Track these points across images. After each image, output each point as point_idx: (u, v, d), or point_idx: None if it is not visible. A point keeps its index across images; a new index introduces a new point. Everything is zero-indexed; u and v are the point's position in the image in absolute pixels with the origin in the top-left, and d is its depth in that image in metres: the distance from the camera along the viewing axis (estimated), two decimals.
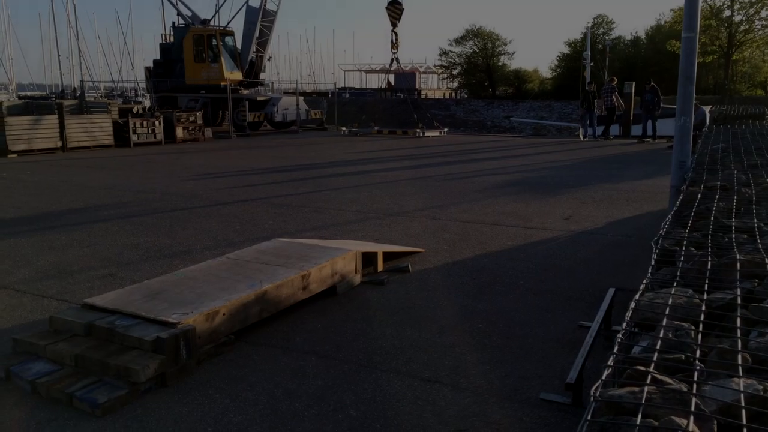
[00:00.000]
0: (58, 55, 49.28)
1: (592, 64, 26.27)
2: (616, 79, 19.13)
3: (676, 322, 1.91)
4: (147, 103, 28.95)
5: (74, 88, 43.46)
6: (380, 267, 5.18)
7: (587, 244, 6.02)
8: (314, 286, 4.34)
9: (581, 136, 19.20)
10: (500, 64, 60.96)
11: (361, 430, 2.76)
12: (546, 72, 63.26)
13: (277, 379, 3.26)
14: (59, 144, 15.34)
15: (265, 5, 23.47)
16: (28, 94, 49.52)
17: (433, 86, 69.33)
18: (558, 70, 58.29)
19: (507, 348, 3.63)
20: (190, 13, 24.28)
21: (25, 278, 5.03)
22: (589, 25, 43.53)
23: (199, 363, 3.37)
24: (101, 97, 39.35)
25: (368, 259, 5.12)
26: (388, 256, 5.39)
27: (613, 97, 18.29)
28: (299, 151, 16.14)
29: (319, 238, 6.04)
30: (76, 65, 47.58)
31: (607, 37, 49.83)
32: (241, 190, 9.45)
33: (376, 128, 21.90)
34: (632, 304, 1.96)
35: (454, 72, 63.40)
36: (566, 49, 57.17)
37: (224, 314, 3.59)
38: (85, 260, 5.56)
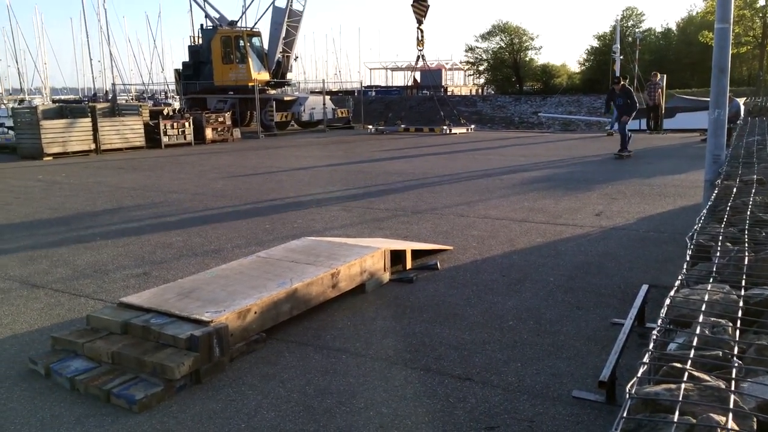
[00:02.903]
0: (90, 59, 50.31)
1: (621, 57, 25.82)
2: (659, 75, 18.72)
3: (712, 319, 1.87)
4: (177, 104, 29.37)
5: (106, 91, 44.32)
6: (409, 265, 5.18)
7: (619, 241, 5.94)
8: (343, 284, 4.36)
9: (612, 131, 18.91)
10: (527, 59, 60.37)
11: (393, 426, 2.77)
12: (574, 66, 62.42)
13: (309, 376, 3.29)
14: (93, 146, 15.68)
15: (291, 6, 23.63)
16: (62, 97, 50.68)
17: (460, 83, 68.91)
18: (587, 64, 57.50)
19: (538, 345, 3.60)
20: (217, 15, 24.58)
21: (63, 278, 5.15)
22: (619, 17, 42.71)
23: (231, 360, 3.42)
24: (132, 99, 40.07)
25: (397, 256, 5.12)
26: (416, 253, 5.39)
27: (658, 92, 18.05)
28: (326, 150, 16.22)
29: (347, 236, 6.07)
30: (108, 68, 48.54)
31: (637, 30, 48.88)
32: (269, 189, 9.54)
33: (402, 126, 21.88)
34: (668, 301, 1.93)
35: (481, 68, 62.97)
36: (595, 43, 56.39)
37: (256, 312, 3.63)
38: (120, 260, 5.68)
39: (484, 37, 60.88)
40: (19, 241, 6.48)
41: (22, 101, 42.55)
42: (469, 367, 3.33)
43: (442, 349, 3.59)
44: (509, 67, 59.84)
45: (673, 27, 55.37)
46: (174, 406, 2.98)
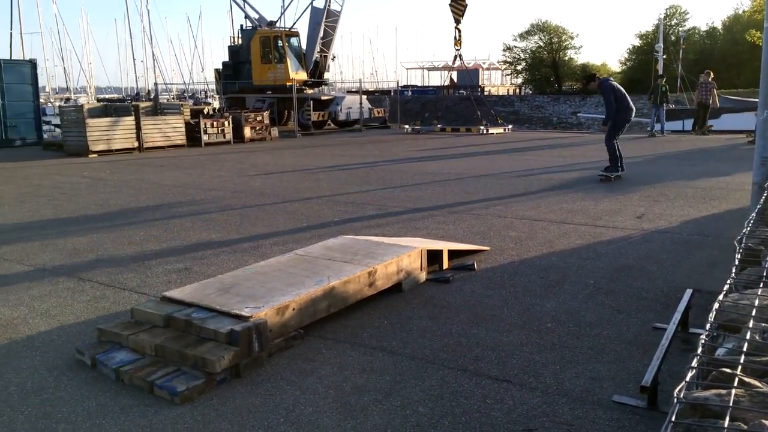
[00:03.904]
0: (133, 59, 51.65)
1: (664, 56, 25.29)
2: (712, 74, 18.20)
3: (763, 324, 1.82)
4: (216, 104, 29.88)
5: (148, 90, 45.37)
6: (445, 265, 5.17)
7: (661, 244, 5.81)
8: (380, 283, 4.38)
9: (654, 132, 18.49)
10: (567, 58, 59.57)
11: (429, 426, 2.77)
12: (615, 66, 61.33)
13: (346, 373, 3.31)
14: (136, 144, 16.06)
15: (329, 6, 23.79)
16: (106, 96, 52.10)
17: (497, 83, 68.37)
18: (628, 63, 56.44)
19: (577, 348, 3.55)
20: (257, 16, 24.91)
21: (108, 271, 5.29)
22: (662, 16, 41.83)
23: (270, 355, 3.46)
24: (173, 98, 40.89)
25: (433, 256, 5.11)
26: (453, 253, 5.37)
27: (712, 92, 17.64)
28: (363, 149, 16.29)
29: (384, 235, 6.09)
30: (150, 68, 49.71)
31: (680, 29, 47.81)
32: (306, 188, 9.63)
33: (438, 126, 21.82)
34: (716, 305, 1.88)
35: (519, 68, 62.39)
36: (637, 42, 55.28)
37: (294, 309, 3.67)
38: (162, 255, 5.81)
39: (523, 36, 60.36)
40: (66, 236, 6.68)
41: (68, 100, 43.90)
42: (507, 369, 3.31)
43: (479, 349, 3.57)
44: (548, 67, 59.16)
45: (719, 26, 53.88)
46: (215, 399, 3.04)
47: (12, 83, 18.18)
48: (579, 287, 4.62)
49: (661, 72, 22.10)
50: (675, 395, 1.39)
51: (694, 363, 1.56)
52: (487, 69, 68.76)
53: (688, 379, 1.48)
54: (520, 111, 42.30)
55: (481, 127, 20.26)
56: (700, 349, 1.64)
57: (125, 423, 2.83)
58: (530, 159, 13.18)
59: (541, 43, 59.51)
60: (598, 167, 10.23)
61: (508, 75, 66.38)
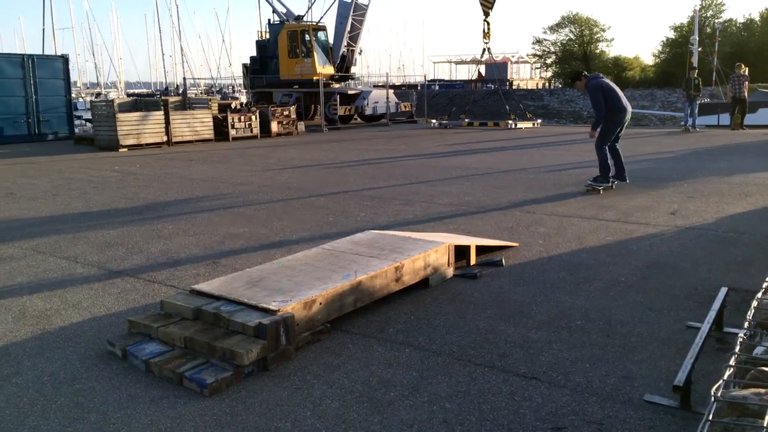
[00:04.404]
0: (162, 54, 52.31)
1: (699, 49, 24.70)
2: (744, 67, 17.73)
3: None
4: (243, 98, 30.13)
5: (177, 85, 45.94)
6: (473, 260, 5.13)
7: (695, 241, 5.68)
8: (407, 278, 4.36)
9: (687, 127, 18.11)
10: (598, 51, 58.64)
11: (457, 422, 2.75)
12: (648, 59, 60.21)
13: (372, 368, 3.30)
14: (165, 138, 16.29)
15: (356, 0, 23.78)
16: (135, 91, 52.92)
17: (526, 76, 67.69)
18: (661, 56, 55.32)
19: (608, 346, 3.49)
20: (284, 10, 25.04)
21: (137, 264, 5.37)
22: (697, 7, 40.82)
23: (297, 349, 3.47)
24: (201, 93, 41.37)
25: (461, 252, 5.07)
26: (481, 249, 5.32)
27: (745, 85, 17.21)
28: (389, 143, 16.26)
29: (410, 230, 6.06)
30: (178, 63, 50.33)
31: (716, 20, 46.62)
32: (333, 182, 9.65)
33: (466, 120, 21.67)
34: (755, 303, 1.82)
35: (548, 61, 61.62)
36: (671, 34, 54.14)
37: (321, 303, 3.68)
38: (190, 248, 5.87)
39: (553, 29, 59.61)
40: (97, 228, 6.80)
41: (98, 95, 44.71)
42: (535, 366, 3.26)
43: (507, 346, 3.53)
44: (578, 60, 58.31)
45: (756, 17, 52.46)
46: (242, 392, 3.06)
47: (44, 78, 18.56)
48: (609, 284, 4.54)
49: (695, 65, 21.58)
50: (712, 394, 1.35)
51: (732, 361, 1.51)
52: (516, 62, 68.09)
53: (726, 377, 1.44)
54: (549, 105, 41.78)
55: (510, 122, 20.06)
56: (738, 348, 1.60)
57: (155, 414, 2.87)
58: (560, 154, 13.01)
59: (572, 36, 58.71)
60: (628, 162, 10.03)
61: (537, 68, 65.68)
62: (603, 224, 6.39)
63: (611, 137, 8.17)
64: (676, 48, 49.21)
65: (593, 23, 58.00)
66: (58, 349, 3.64)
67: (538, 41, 61.03)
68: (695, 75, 17.80)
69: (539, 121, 22.14)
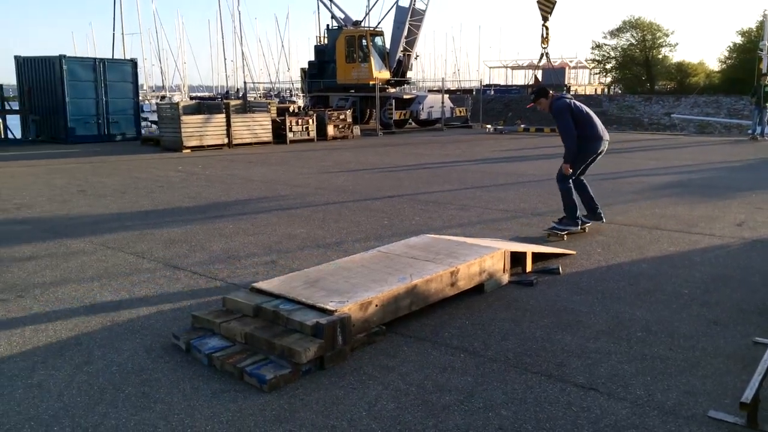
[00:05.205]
0: (224, 58, 53.81)
1: None
2: None
3: None
4: (301, 102, 30.64)
5: (237, 89, 47.10)
6: (529, 267, 5.08)
7: (763, 254, 5.45)
8: (462, 283, 4.36)
9: (755, 135, 17.36)
10: (660, 56, 56.83)
11: (512, 430, 2.74)
12: (713, 64, 57.98)
13: (427, 371, 3.32)
14: (225, 141, 16.73)
15: (414, 5, 23.86)
16: (198, 95, 54.51)
17: (584, 82, 66.26)
18: (728, 62, 53.14)
19: (670, 360, 3.40)
20: (343, 15, 25.34)
21: (200, 261, 5.55)
22: (767, 11, 39.15)
23: (353, 350, 3.52)
24: (260, 97, 42.26)
25: (516, 258, 5.03)
26: (537, 256, 5.26)
27: None
28: (444, 148, 16.23)
29: (465, 235, 6.04)
30: (239, 67, 51.59)
31: None
32: (388, 186, 9.71)
33: (522, 126, 21.41)
34: None
35: (608, 66, 60.11)
36: (738, 39, 51.96)
37: (376, 305, 3.72)
38: (250, 247, 6.02)
39: (614, 33, 58.03)
40: (162, 226, 7.06)
41: (163, 98, 46.27)
42: (594, 377, 3.21)
43: (564, 356, 3.48)
44: (640, 65, 56.65)
45: None
46: (300, 389, 3.13)
47: (114, 81, 19.36)
48: (672, 296, 4.42)
49: (765, 71, 20.66)
50: None
51: None
52: (574, 68, 66.76)
53: None
54: (608, 111, 40.73)
55: None
56: None
57: (217, 407, 2.97)
58: (620, 161, 12.69)
59: (633, 41, 57.03)
60: (692, 171, 9.72)
61: (596, 74, 64.16)
62: (665, 234, 6.21)
63: (578, 169, 6.50)
64: (743, 53, 47.19)
65: (656, 27, 56.21)
66: (126, 340, 3.80)
67: (598, 46, 59.57)
68: (765, 81, 17.07)
69: None
